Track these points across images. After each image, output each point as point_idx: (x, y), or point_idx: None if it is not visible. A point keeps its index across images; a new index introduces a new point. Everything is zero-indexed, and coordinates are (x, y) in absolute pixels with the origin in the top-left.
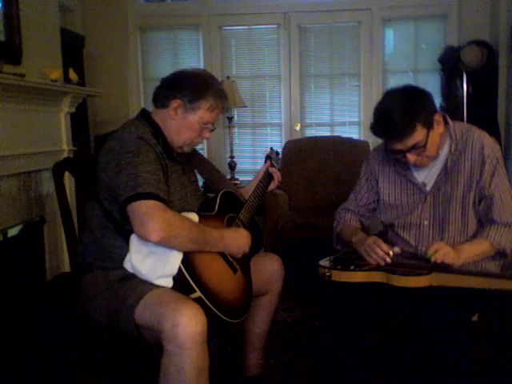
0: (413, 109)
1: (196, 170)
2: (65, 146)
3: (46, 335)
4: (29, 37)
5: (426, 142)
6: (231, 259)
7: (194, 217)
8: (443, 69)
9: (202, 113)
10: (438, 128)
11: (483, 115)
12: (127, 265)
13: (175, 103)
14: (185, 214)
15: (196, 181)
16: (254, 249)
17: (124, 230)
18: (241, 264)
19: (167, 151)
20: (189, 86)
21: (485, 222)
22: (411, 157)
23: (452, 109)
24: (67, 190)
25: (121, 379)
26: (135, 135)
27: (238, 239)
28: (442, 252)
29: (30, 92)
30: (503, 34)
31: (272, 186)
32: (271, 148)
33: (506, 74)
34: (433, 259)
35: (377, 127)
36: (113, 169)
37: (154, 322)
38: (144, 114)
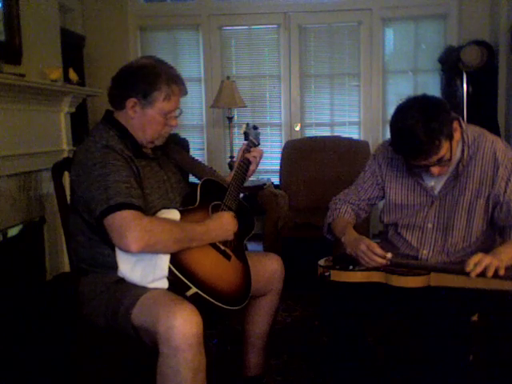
0: (435, 125)
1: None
2: (65, 145)
3: (46, 335)
4: (29, 37)
5: (451, 155)
6: (223, 247)
7: (176, 214)
8: (443, 69)
9: (159, 104)
10: (457, 135)
11: (483, 115)
12: (119, 273)
13: (130, 102)
14: (166, 211)
15: (176, 172)
16: (246, 231)
17: (110, 240)
18: (234, 250)
19: (137, 151)
20: (138, 81)
21: (507, 227)
22: (435, 169)
23: (452, 109)
24: (67, 190)
25: (120, 380)
26: (100, 144)
27: (223, 224)
28: (482, 265)
29: (30, 92)
30: (503, 34)
31: (252, 168)
32: (247, 123)
33: (506, 73)
34: (473, 275)
35: (400, 147)
36: (83, 183)
37: (149, 323)
38: (108, 117)
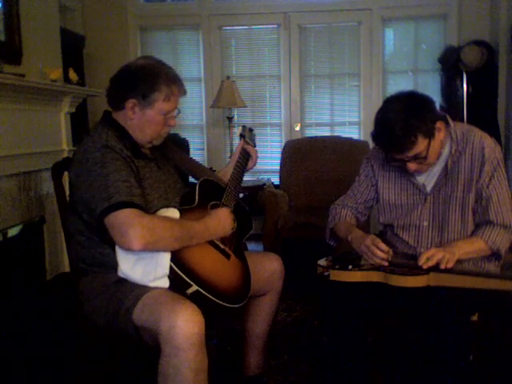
0: (414, 121)
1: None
2: (65, 145)
3: (46, 335)
4: (29, 37)
5: (427, 153)
6: (222, 246)
7: (175, 213)
8: (443, 69)
9: (159, 105)
10: (439, 135)
11: (483, 115)
12: (120, 273)
13: (130, 103)
14: (165, 210)
15: (175, 173)
16: (244, 230)
17: (109, 240)
18: (233, 249)
19: (136, 151)
20: (138, 82)
21: (481, 222)
22: (411, 166)
23: (452, 109)
24: (67, 190)
25: (120, 380)
26: (99, 144)
27: (220, 221)
28: (434, 259)
29: (30, 92)
30: (503, 34)
31: (250, 165)
32: (243, 126)
33: (506, 73)
34: (425, 267)
35: (377, 138)
36: (83, 183)
37: (151, 323)
38: (106, 118)
